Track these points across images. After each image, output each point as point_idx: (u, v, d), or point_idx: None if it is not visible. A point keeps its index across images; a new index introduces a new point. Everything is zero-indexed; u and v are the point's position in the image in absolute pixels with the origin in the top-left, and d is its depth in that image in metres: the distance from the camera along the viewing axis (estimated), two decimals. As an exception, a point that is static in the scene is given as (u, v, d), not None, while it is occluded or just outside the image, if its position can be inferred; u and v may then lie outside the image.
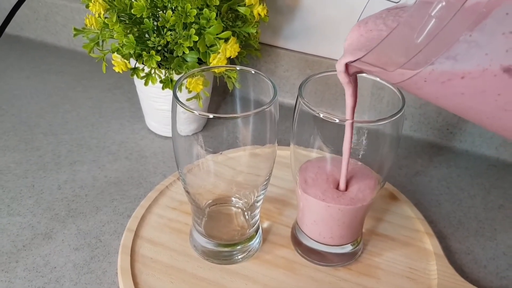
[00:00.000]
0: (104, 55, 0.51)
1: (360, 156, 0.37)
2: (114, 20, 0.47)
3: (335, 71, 0.38)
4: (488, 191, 0.53)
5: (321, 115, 0.34)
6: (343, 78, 0.33)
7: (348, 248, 0.41)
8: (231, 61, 0.51)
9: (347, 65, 0.32)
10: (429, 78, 0.25)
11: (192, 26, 0.47)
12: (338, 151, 0.36)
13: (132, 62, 0.51)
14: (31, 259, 0.42)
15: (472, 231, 0.48)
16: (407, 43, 0.25)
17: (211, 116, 0.33)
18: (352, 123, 0.34)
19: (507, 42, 0.22)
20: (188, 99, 0.48)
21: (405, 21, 0.24)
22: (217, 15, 0.48)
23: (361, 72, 0.33)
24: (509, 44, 0.22)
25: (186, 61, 0.50)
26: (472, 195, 0.53)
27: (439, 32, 0.23)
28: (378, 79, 0.38)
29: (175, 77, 0.50)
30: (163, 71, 0.50)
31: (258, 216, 0.42)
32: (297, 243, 0.43)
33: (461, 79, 0.24)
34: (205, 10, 0.47)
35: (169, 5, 0.47)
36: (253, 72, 0.38)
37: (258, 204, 0.40)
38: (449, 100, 0.27)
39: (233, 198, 0.41)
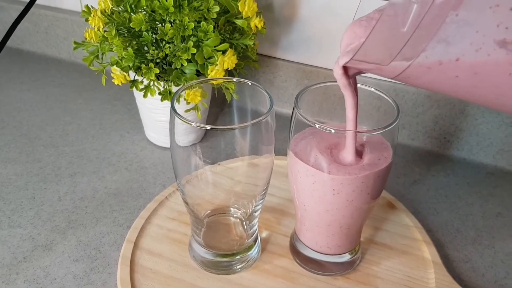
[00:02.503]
0: (104, 68, 0.51)
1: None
2: (113, 33, 0.47)
3: (331, 81, 0.39)
4: (485, 199, 0.54)
5: (317, 126, 0.34)
6: (342, 81, 0.32)
7: (346, 257, 0.42)
8: (229, 72, 0.52)
9: (345, 67, 0.32)
10: (425, 65, 0.25)
11: (190, 38, 0.48)
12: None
13: (131, 75, 0.51)
14: (31, 270, 0.42)
15: (470, 239, 0.48)
16: (394, 34, 0.24)
17: (208, 127, 0.34)
18: (355, 132, 0.34)
19: (496, 16, 0.22)
20: (186, 110, 0.49)
21: (387, 12, 0.24)
22: (214, 27, 0.48)
23: (360, 72, 0.32)
24: (499, 18, 0.22)
25: (185, 73, 0.50)
26: (470, 203, 0.53)
27: (424, 17, 0.22)
28: (373, 89, 0.38)
29: (174, 89, 0.50)
30: (162, 83, 0.50)
31: (256, 226, 0.42)
32: (296, 253, 0.43)
33: (456, 62, 0.24)
34: (203, 23, 0.47)
35: (167, 18, 0.48)
36: (249, 83, 0.39)
37: (256, 214, 0.41)
38: (447, 85, 0.26)
39: (231, 208, 0.42)
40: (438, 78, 0.26)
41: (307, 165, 0.36)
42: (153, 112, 0.56)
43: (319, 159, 0.35)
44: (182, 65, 0.49)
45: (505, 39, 0.22)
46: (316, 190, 0.36)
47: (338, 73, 0.32)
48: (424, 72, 0.25)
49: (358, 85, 0.38)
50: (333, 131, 0.33)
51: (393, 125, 0.34)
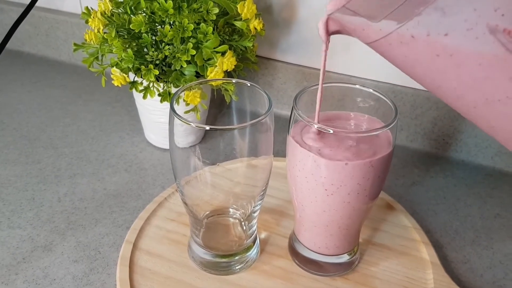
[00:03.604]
0: (104, 69, 0.52)
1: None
2: (113, 35, 0.48)
3: (330, 83, 0.39)
4: (484, 200, 0.54)
5: (316, 126, 0.34)
6: (322, 33, 0.33)
7: (345, 258, 0.42)
8: (228, 74, 0.52)
9: (328, 22, 0.31)
10: (411, 33, 0.24)
11: (190, 40, 0.48)
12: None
13: (131, 76, 0.52)
14: (30, 271, 0.42)
15: (468, 240, 0.48)
16: None
17: (207, 128, 0.34)
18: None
19: (495, 0, 0.22)
20: (186, 112, 0.49)
21: None
22: (214, 29, 0.49)
23: (339, 32, 0.32)
24: (498, 2, 0.22)
25: (184, 74, 0.50)
26: (468, 205, 0.53)
27: None
28: (371, 90, 0.38)
29: (173, 90, 0.51)
30: (161, 84, 0.51)
31: (255, 227, 0.42)
32: (295, 254, 0.43)
33: (443, 37, 0.23)
34: (202, 25, 0.48)
35: (167, 20, 0.48)
36: (248, 84, 0.39)
37: (255, 214, 0.41)
38: (422, 63, 0.26)
39: (230, 209, 0.42)
40: (418, 52, 0.25)
41: (299, 146, 0.35)
42: (153, 113, 0.56)
43: (310, 142, 0.36)
44: (181, 66, 0.49)
45: (497, 25, 0.22)
46: (311, 189, 0.36)
47: (322, 22, 0.32)
48: (407, 42, 0.25)
49: (356, 86, 0.39)
50: (331, 131, 0.34)
51: (391, 125, 0.34)
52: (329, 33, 0.33)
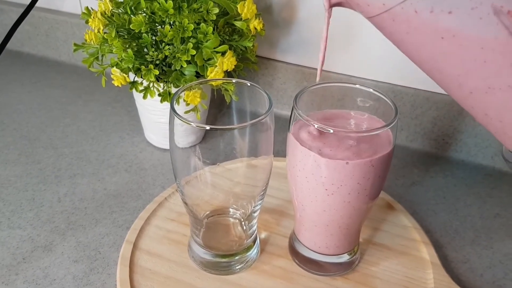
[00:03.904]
0: (104, 69, 0.52)
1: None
2: (113, 35, 0.48)
3: (330, 82, 0.39)
4: (484, 200, 0.54)
5: (316, 126, 0.34)
6: (326, 4, 0.32)
7: (345, 257, 0.42)
8: (228, 74, 0.52)
9: None
10: (416, 8, 0.24)
11: (190, 40, 0.48)
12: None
13: (131, 76, 0.52)
14: (31, 271, 0.42)
15: (468, 240, 0.48)
16: None
17: (207, 127, 0.34)
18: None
19: None
20: (186, 112, 0.49)
21: None
22: (214, 29, 0.49)
23: (341, 4, 0.31)
24: None
25: (184, 74, 0.50)
26: (468, 204, 0.53)
27: None
28: (371, 90, 0.38)
29: (173, 90, 0.51)
30: (161, 84, 0.51)
31: (255, 227, 0.42)
32: (295, 253, 0.43)
33: (447, 15, 0.23)
34: (202, 25, 0.48)
35: (167, 20, 0.48)
36: (249, 84, 0.39)
37: (256, 214, 0.41)
38: (423, 43, 0.25)
39: (230, 209, 0.42)
40: (420, 30, 0.25)
41: (300, 146, 0.35)
42: (153, 113, 0.56)
43: (310, 141, 0.35)
44: (181, 66, 0.49)
45: (502, 7, 0.22)
46: (312, 189, 0.36)
47: None
48: (410, 18, 0.24)
49: (356, 85, 0.39)
50: (331, 131, 0.34)
51: (391, 125, 0.34)
52: (331, 5, 0.32)
